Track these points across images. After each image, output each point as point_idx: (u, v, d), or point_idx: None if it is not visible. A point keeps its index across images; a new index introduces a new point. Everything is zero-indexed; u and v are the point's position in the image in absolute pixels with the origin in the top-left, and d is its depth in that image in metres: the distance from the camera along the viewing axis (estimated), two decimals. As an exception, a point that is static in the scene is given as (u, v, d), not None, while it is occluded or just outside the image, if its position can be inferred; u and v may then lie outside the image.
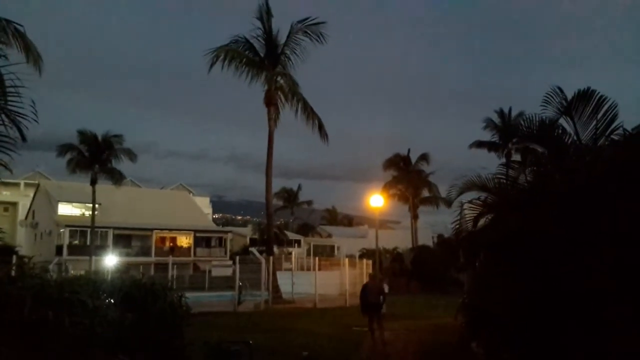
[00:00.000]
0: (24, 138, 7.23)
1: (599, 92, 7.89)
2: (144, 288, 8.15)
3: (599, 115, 7.79)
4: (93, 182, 42.42)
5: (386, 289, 36.35)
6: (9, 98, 7.14)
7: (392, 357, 13.11)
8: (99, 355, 6.01)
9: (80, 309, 5.93)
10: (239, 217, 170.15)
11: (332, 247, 70.16)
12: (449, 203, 12.93)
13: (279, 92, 32.02)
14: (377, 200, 27.96)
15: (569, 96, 8.24)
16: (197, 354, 8.74)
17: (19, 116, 7.04)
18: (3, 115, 6.95)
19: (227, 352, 9.00)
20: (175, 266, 36.92)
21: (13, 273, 7.06)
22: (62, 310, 5.52)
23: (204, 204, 79.04)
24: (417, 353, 13.52)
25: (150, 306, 7.80)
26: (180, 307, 8.55)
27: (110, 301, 7.45)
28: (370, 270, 32.73)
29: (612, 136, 7.49)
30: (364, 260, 33.76)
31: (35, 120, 7.03)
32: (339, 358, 12.49)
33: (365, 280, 27.90)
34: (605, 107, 7.76)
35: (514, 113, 43.04)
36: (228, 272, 32.37)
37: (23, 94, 7.03)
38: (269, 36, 31.19)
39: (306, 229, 78.28)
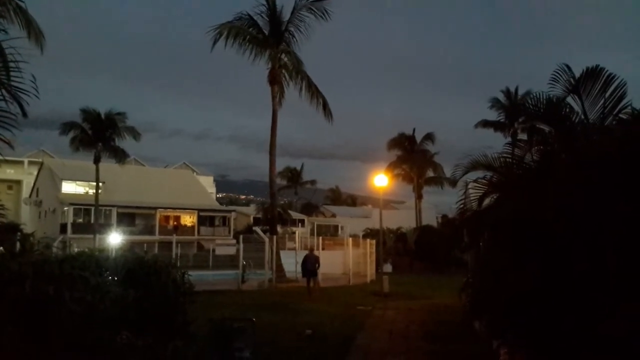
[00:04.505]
0: (24, 114, 7.16)
1: (607, 70, 7.74)
2: (147, 265, 8.15)
3: (607, 94, 7.64)
4: (97, 161, 42.42)
5: (389, 268, 36.81)
6: (10, 73, 7.05)
7: (396, 336, 13.16)
8: (101, 331, 6.00)
9: (82, 285, 5.92)
10: (243, 197, 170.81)
11: (336, 227, 70.36)
12: (453, 183, 12.84)
13: (283, 71, 31.77)
14: (381, 180, 27.86)
15: (577, 74, 8.10)
16: (201, 330, 8.76)
17: (19, 91, 6.96)
18: (3, 91, 6.87)
19: (230, 329, 9.01)
20: (179, 245, 37.22)
21: (16, 249, 7.05)
22: (63, 286, 5.51)
23: (207, 183, 79.19)
24: (420, 332, 13.56)
25: (153, 283, 7.81)
26: (183, 284, 8.56)
27: (113, 278, 7.44)
28: (373, 250, 32.97)
29: (621, 115, 7.36)
30: (368, 240, 33.77)
31: (36, 96, 6.95)
32: (342, 336, 12.53)
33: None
34: (614, 85, 7.61)
35: (520, 92, 42.75)
36: (232, 251, 32.55)
37: (24, 70, 6.95)
38: (272, 13, 30.83)
39: (310, 209, 78.46)
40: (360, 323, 14.90)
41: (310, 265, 23.18)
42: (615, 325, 4.66)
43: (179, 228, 56.53)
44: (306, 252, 24.85)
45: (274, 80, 30.88)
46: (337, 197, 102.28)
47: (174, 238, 35.70)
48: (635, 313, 4.58)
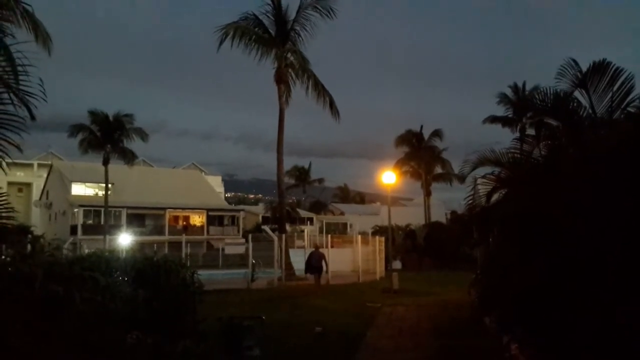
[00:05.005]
0: (33, 117, 7.19)
1: (614, 64, 7.71)
2: (156, 265, 8.21)
3: (615, 88, 7.62)
4: (105, 162, 42.66)
5: (399, 265, 36.80)
6: (18, 77, 7.10)
7: (406, 332, 13.15)
8: (111, 331, 6.05)
9: (92, 285, 5.97)
10: (251, 196, 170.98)
11: (345, 225, 70.28)
12: (462, 179, 12.84)
13: (289, 70, 31.75)
14: (389, 177, 27.82)
15: (584, 69, 8.07)
16: (211, 329, 8.80)
17: (27, 95, 7.01)
18: (12, 95, 6.92)
19: (240, 328, 9.06)
20: (188, 244, 37.25)
21: (27, 251, 7.11)
22: (73, 287, 5.56)
23: (216, 182, 79.42)
24: (430, 328, 13.55)
25: (163, 283, 7.86)
26: (192, 283, 8.61)
27: (123, 279, 7.50)
28: (382, 247, 32.97)
29: (629, 108, 7.33)
30: (377, 237, 33.72)
31: (44, 99, 7.00)
32: (353, 333, 12.53)
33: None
34: (621, 79, 7.58)
35: (528, 87, 42.48)
36: (241, 250, 32.64)
37: (31, 73, 6.99)
38: (278, 12, 30.83)
39: (318, 207, 78.46)
40: (370, 320, 14.90)
41: (315, 262, 23.84)
42: (624, 319, 4.65)
43: (188, 228, 56.74)
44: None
45: (281, 79, 30.89)
46: (345, 195, 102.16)
47: (184, 238, 35.71)
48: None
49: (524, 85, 43.75)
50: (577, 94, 8.19)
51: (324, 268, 24.20)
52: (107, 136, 41.96)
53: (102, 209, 46.04)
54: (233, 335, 8.92)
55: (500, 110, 43.88)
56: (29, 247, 7.67)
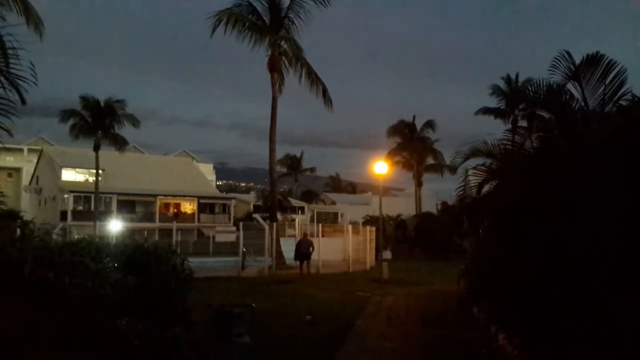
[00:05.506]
0: (23, 101, 7.13)
1: (607, 57, 7.71)
2: (147, 252, 8.18)
3: (607, 80, 7.62)
4: (96, 148, 42.39)
5: (389, 255, 36.98)
6: (9, 60, 7.02)
7: (395, 321, 13.22)
8: (101, 317, 6.03)
9: (82, 271, 5.94)
10: (243, 184, 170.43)
11: (336, 214, 70.48)
12: (453, 170, 12.85)
13: (283, 58, 31.61)
14: (381, 168, 27.85)
15: (577, 61, 8.08)
16: (201, 316, 8.80)
17: (18, 79, 6.93)
18: (2, 78, 6.85)
19: (230, 315, 9.07)
20: (179, 232, 37.28)
21: (16, 236, 7.06)
22: (63, 272, 5.53)
23: (207, 170, 79.20)
24: (419, 318, 13.63)
25: (153, 270, 7.84)
26: (183, 270, 8.60)
27: (113, 265, 7.46)
28: (373, 237, 33.07)
29: (621, 101, 7.34)
30: (368, 227, 33.81)
31: (35, 83, 6.93)
32: (342, 322, 12.59)
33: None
34: (614, 72, 7.58)
35: (521, 79, 42.58)
36: (232, 238, 32.67)
37: (22, 57, 6.91)
38: (272, -1, 30.69)
39: (310, 196, 78.54)
40: (359, 309, 14.96)
41: (304, 249, 24.74)
42: (616, 312, 4.68)
43: (179, 215, 56.65)
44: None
45: (274, 67, 30.74)
46: (337, 185, 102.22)
47: (174, 225, 35.78)
48: (634, 302, 4.59)
49: (516, 76, 43.86)
50: (569, 86, 8.19)
51: (312, 254, 24.93)
52: (98, 122, 41.64)
53: (93, 195, 45.85)
54: (223, 322, 8.93)
55: (493, 102, 44.05)
56: (18, 232, 7.62)
